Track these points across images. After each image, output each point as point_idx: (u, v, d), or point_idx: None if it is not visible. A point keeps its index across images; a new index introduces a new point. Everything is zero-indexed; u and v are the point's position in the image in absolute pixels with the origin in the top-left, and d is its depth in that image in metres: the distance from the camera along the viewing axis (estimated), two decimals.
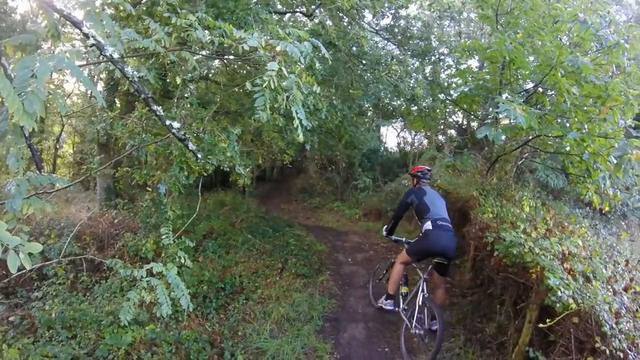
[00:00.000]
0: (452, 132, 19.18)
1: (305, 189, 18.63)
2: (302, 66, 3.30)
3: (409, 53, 9.49)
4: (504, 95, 6.39)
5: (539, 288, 4.11)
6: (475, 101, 7.93)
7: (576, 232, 5.31)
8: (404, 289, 5.86)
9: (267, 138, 11.20)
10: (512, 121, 5.41)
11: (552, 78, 5.90)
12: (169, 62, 4.25)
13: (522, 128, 5.30)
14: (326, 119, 7.13)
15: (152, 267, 3.16)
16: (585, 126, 5.57)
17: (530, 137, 6.68)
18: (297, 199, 18.12)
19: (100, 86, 12.57)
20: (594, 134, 5.31)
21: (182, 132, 3.09)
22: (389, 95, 14.23)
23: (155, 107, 2.71)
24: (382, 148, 19.71)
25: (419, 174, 6.03)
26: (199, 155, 3.82)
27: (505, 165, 7.89)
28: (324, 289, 7.47)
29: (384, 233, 6.47)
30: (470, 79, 7.89)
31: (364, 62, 8.70)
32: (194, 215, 5.04)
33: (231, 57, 5.18)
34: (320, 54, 3.66)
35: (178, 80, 4.31)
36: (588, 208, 9.72)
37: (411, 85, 8.14)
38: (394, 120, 18.49)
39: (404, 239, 6.15)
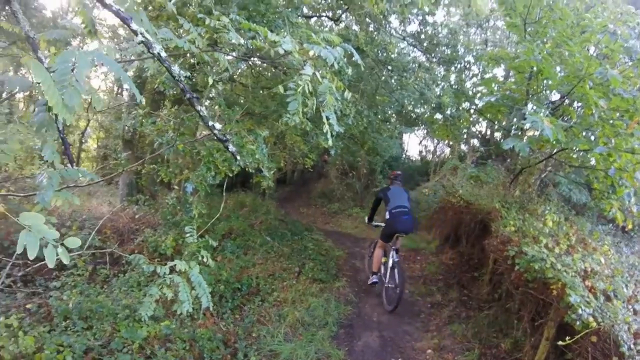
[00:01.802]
0: (475, 141, 19.01)
1: (325, 194, 18.65)
2: (333, 71, 3.34)
3: (435, 60, 9.45)
4: (530, 106, 6.31)
5: (559, 305, 4.05)
6: (500, 111, 7.86)
7: (598, 250, 5.21)
8: (384, 259, 7.28)
9: (290, 141, 11.25)
10: (537, 133, 5.36)
11: (580, 90, 5.82)
12: (198, 62, 4.33)
13: (548, 140, 5.24)
14: (352, 125, 7.14)
15: (175, 264, 3.21)
16: (612, 140, 5.48)
17: (556, 150, 6.57)
18: (316, 203, 18.15)
19: (127, 84, 12.76)
20: (620, 149, 5.22)
21: (223, 134, 3.14)
22: (413, 103, 14.22)
23: (199, 108, 2.76)
24: (404, 156, 19.62)
25: (392, 177, 7.67)
26: (238, 157, 3.87)
27: (528, 178, 7.77)
28: (340, 294, 7.47)
29: (366, 220, 8.03)
30: (496, 88, 7.83)
31: (389, 68, 8.69)
32: (218, 214, 5.11)
33: (262, 60, 5.25)
34: (351, 59, 3.71)
35: (210, 81, 4.38)
36: (611, 225, 9.49)
37: (438, 93, 8.10)
38: (416, 128, 18.42)
39: (381, 224, 7.44)
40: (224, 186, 5.46)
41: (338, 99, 4.93)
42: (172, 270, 3.20)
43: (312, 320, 6.34)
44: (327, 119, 2.88)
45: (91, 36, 2.75)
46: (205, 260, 3.71)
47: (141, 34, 2.22)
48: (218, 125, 3.03)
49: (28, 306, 5.82)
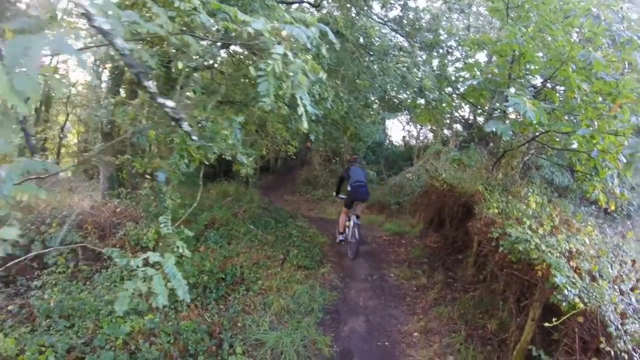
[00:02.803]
0: (458, 126, 19.06)
1: (309, 181, 18.58)
2: (309, 54, 3.22)
3: (417, 45, 9.34)
4: (513, 90, 6.28)
5: (544, 286, 4.04)
6: (482, 95, 7.83)
7: (582, 230, 5.22)
8: (348, 223, 8.91)
9: (272, 129, 11.13)
10: (520, 116, 5.33)
11: (562, 73, 5.81)
12: (173, 49, 4.16)
13: (530, 123, 5.21)
14: (332, 109, 7.03)
15: (148, 257, 3.08)
16: (595, 123, 5.47)
17: (538, 133, 6.56)
18: (300, 190, 18.08)
19: (105, 75, 12.55)
20: (603, 131, 5.21)
21: (178, 113, 2.99)
22: (396, 88, 14.13)
23: (147, 83, 2.61)
24: (387, 141, 19.59)
25: (352, 160, 9.48)
26: (195, 138, 3.72)
27: (511, 160, 7.77)
28: (325, 281, 7.42)
29: (334, 194, 9.76)
30: (478, 73, 7.78)
31: (371, 52, 8.55)
32: (194, 204, 4.96)
33: (239, 45, 5.08)
34: (330, 44, 3.59)
35: (180, 66, 4.21)
36: (594, 207, 9.60)
37: (419, 76, 8.00)
38: (399, 114, 18.37)
39: (344, 196, 9.05)
40: (201, 174, 5.31)
41: (314, 81, 4.84)
42: (147, 263, 3.06)
43: (298, 308, 6.29)
44: (301, 99, 2.76)
45: (53, 22, 2.58)
46: (181, 251, 3.57)
47: (81, 5, 2.06)
48: (170, 103, 2.88)
49: (10, 307, 5.71)
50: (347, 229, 8.96)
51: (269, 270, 7.60)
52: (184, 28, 3.46)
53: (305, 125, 2.90)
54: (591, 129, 5.26)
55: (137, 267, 3.06)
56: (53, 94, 15.93)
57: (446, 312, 6.35)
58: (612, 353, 3.20)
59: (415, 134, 20.14)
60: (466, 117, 19.54)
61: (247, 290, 6.90)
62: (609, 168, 5.54)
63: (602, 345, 3.25)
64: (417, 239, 10.06)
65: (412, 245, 9.61)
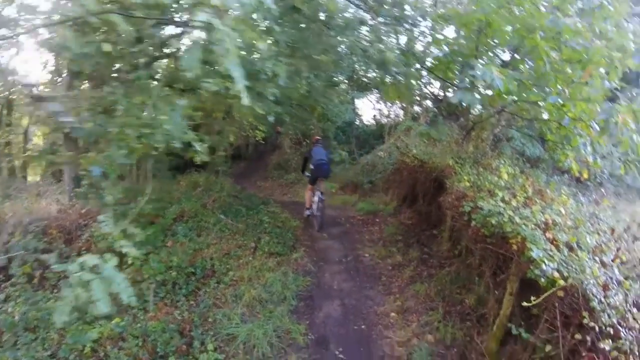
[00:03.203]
0: (429, 102, 18.84)
1: (281, 165, 18.17)
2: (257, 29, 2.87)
3: (382, 20, 8.96)
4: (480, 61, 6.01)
5: (520, 259, 3.82)
6: (450, 68, 7.55)
7: (557, 200, 5.01)
8: (314, 198, 9.42)
9: (237, 114, 10.69)
10: (485, 89, 5.08)
11: (530, 42, 5.55)
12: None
13: (499, 93, 4.97)
14: (288, 87, 6.62)
15: (85, 261, 2.74)
16: (566, 91, 5.26)
17: (507, 104, 6.32)
18: (273, 175, 17.68)
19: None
20: (575, 99, 5.00)
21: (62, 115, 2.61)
22: (364, 67, 13.74)
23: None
24: (358, 121, 19.24)
25: (314, 141, 9.96)
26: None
27: (481, 133, 7.56)
28: (298, 266, 7.16)
29: (302, 172, 10.42)
30: (445, 47, 7.48)
31: (330, 28, 8.13)
32: (144, 198, 4.59)
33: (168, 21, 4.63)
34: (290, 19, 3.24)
35: (108, 48, 3.79)
36: (566, 176, 9.48)
37: (381, 49, 7.63)
38: (369, 93, 18.06)
39: (308, 174, 9.63)
40: (146, 166, 4.91)
41: (265, 58, 4.47)
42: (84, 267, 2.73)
43: (270, 297, 6.04)
44: (232, 71, 2.41)
45: None
46: (124, 250, 3.24)
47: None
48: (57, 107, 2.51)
49: None
50: (313, 204, 9.48)
51: (240, 259, 7.31)
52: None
53: (245, 100, 2.55)
54: (562, 96, 5.03)
55: (75, 271, 2.74)
56: (14, 97, 15.26)
57: (423, 289, 6.17)
58: (597, 328, 2.99)
59: (386, 112, 19.84)
60: (436, 93, 19.36)
61: (218, 283, 6.65)
62: (580, 136, 5.37)
63: (585, 321, 3.03)
64: (391, 216, 9.85)
65: (386, 223, 9.39)
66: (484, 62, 5.71)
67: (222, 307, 5.82)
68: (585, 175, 6.20)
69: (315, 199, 9.28)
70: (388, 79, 9.23)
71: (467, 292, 5.63)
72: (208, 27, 2.18)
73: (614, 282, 3.31)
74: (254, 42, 3.01)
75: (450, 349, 4.94)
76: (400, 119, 18.31)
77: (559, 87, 5.38)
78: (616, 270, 3.49)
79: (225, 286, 6.48)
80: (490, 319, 4.80)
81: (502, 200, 4.58)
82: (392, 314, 5.70)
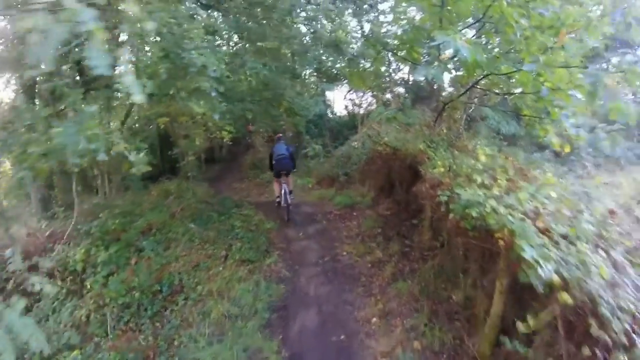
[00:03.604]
0: (400, 89, 18.35)
1: (255, 165, 17.46)
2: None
3: (341, 4, 8.34)
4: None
5: (509, 254, 3.25)
6: (414, 48, 6.95)
7: (541, 179, 4.45)
8: (281, 191, 9.43)
9: (202, 118, 10.07)
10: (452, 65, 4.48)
11: (496, 10, 4.96)
12: None
13: (468, 68, 4.39)
14: (229, 80, 5.98)
15: None
16: (540, 58, 4.67)
17: (478, 79, 5.74)
18: (248, 176, 16.97)
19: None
20: (552, 65, 4.44)
21: None
22: (331, 58, 13.16)
23: None
24: (330, 113, 18.58)
25: (276, 138, 10.14)
26: None
27: (453, 113, 6.96)
28: (271, 272, 6.58)
29: (270, 169, 10.10)
30: (405, 23, 6.88)
31: (273, 10, 7.44)
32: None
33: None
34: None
35: None
36: (547, 151, 9.00)
37: (330, 29, 7.02)
38: (339, 84, 17.46)
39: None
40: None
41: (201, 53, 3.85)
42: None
43: (240, 311, 5.45)
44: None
45: None
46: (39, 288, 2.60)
47: None
48: None
49: None
50: (281, 196, 9.54)
51: (210, 271, 6.71)
52: None
53: (137, 98, 1.92)
54: (537, 65, 4.46)
55: None
56: None
57: (406, 287, 5.61)
58: (608, 338, 2.41)
59: (357, 101, 19.22)
60: (406, 78, 18.88)
61: (185, 300, 6.09)
62: (560, 107, 4.83)
63: (592, 330, 2.46)
64: (369, 208, 9.26)
65: (364, 216, 8.80)
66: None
67: (189, 328, 5.23)
68: (567, 150, 5.68)
69: (282, 191, 9.45)
70: (348, 65, 8.67)
71: (454, 288, 5.06)
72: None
73: (625, 280, 2.73)
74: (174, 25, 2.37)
75: (439, 355, 4.37)
76: (373, 108, 17.78)
77: (532, 55, 4.81)
78: (623, 261, 2.91)
79: (193, 303, 5.91)
80: (480, 317, 4.26)
81: (482, 185, 4.00)
82: (374, 320, 5.14)
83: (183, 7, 4.51)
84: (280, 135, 10.29)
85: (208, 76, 4.59)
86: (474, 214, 3.48)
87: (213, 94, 4.85)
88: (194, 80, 4.58)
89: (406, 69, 18.97)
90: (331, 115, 18.76)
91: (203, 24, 4.79)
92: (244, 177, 17.17)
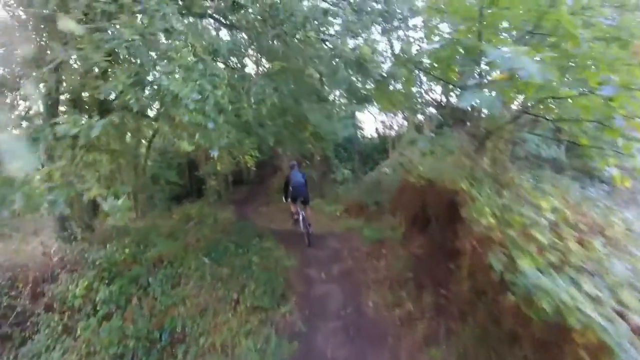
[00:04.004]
0: (432, 110, 17.27)
1: (282, 189, 16.71)
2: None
3: (366, 17, 7.46)
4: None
5: None
6: (451, 67, 5.98)
7: (619, 232, 3.35)
8: (297, 216, 9.76)
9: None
10: (508, 79, 3.47)
11: (552, 17, 3.97)
12: None
13: (528, 89, 3.39)
14: (237, 106, 5.16)
15: None
16: (611, 77, 3.63)
17: (531, 102, 4.69)
18: (274, 200, 16.19)
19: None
20: (630, 87, 3.41)
21: None
22: (360, 79, 12.33)
23: None
24: (360, 135, 17.59)
25: (290, 166, 10.25)
26: None
27: (498, 142, 5.84)
28: (285, 325, 5.63)
29: (284, 199, 10.54)
30: (439, 39, 5.92)
31: (282, 24, 6.57)
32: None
33: None
34: None
35: None
36: (603, 184, 7.75)
37: (353, 45, 6.13)
38: (368, 105, 16.54)
39: (289, 199, 10.00)
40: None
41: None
42: None
43: None
44: None
45: None
46: None
47: None
48: None
49: None
50: (299, 221, 9.74)
51: (218, 317, 5.84)
52: None
53: None
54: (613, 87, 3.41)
55: None
56: None
57: (439, 355, 4.57)
58: None
59: (388, 123, 18.21)
60: (438, 99, 17.78)
61: (186, 353, 5.24)
62: (634, 140, 3.79)
63: None
64: (399, 245, 8.19)
65: (394, 254, 7.73)
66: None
67: None
68: (627, 184, 4.55)
69: (300, 217, 9.68)
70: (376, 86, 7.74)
71: None
72: None
73: None
74: None
75: None
76: (404, 130, 16.77)
77: (602, 74, 3.76)
78: None
79: (192, 358, 5.06)
80: None
81: (551, 265, 2.92)
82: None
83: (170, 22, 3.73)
84: (294, 163, 10.43)
85: (200, 106, 3.77)
86: (546, 307, 2.43)
87: (210, 125, 4.01)
88: (171, 111, 3.76)
89: (438, 89, 17.98)
90: (361, 138, 17.80)
91: (202, 42, 3.99)
92: (270, 200, 16.43)
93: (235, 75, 5.08)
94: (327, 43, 6.34)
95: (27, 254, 8.53)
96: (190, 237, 8.77)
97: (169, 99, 3.49)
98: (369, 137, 18.58)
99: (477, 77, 4.05)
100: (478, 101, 3.16)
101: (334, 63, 7.81)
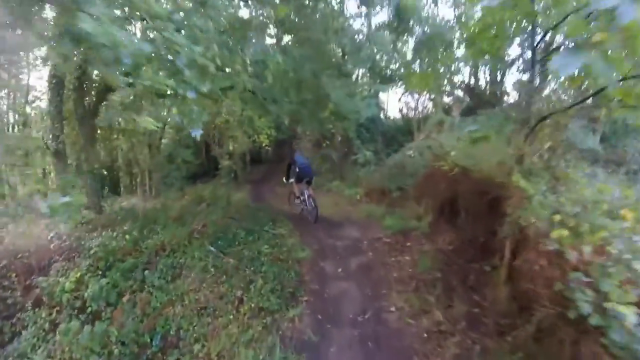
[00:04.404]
0: (459, 92, 16.16)
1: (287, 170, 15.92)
2: None
3: None
4: None
5: None
6: (498, 36, 4.96)
7: None
8: (302, 197, 9.73)
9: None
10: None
11: None
12: None
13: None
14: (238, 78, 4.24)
15: None
16: None
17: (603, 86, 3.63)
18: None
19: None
20: None
21: None
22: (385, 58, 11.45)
23: None
24: (383, 116, 16.49)
25: (294, 149, 11.73)
26: None
27: (557, 128, 4.74)
28: (292, 332, 4.79)
29: (284, 181, 10.44)
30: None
31: None
32: None
33: None
34: None
35: None
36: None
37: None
38: (393, 85, 15.45)
39: (292, 179, 9.99)
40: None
41: None
42: None
43: None
44: None
45: None
46: None
47: None
48: None
49: None
50: (304, 200, 9.73)
51: (218, 319, 5.09)
52: None
53: None
54: None
55: None
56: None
57: None
58: None
59: (413, 105, 17.07)
60: (467, 82, 16.62)
61: None
62: None
63: None
64: (425, 238, 7.28)
65: (420, 249, 6.83)
66: None
67: None
68: None
69: (305, 196, 9.68)
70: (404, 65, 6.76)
71: None
72: None
73: None
74: None
75: None
76: (430, 112, 15.67)
77: None
78: None
79: None
80: None
81: None
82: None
83: None
84: (297, 147, 11.43)
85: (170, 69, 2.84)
86: None
87: (190, 95, 3.06)
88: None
89: (466, 70, 16.77)
90: (384, 119, 16.70)
91: None
92: None
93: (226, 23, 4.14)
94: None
95: (33, 238, 8.05)
96: (198, 221, 7.98)
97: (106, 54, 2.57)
98: (393, 118, 17.49)
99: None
100: (581, 66, 2.17)
101: (358, 40, 6.89)
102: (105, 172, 17.58)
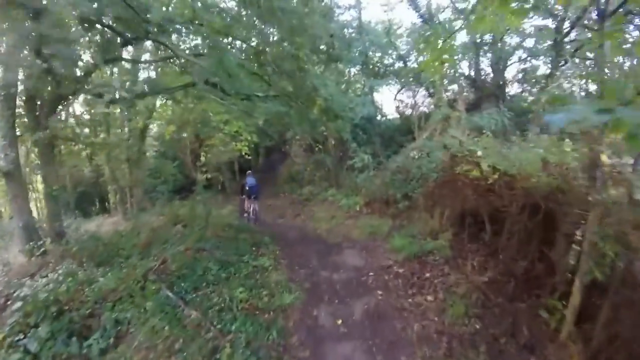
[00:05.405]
0: (462, 83, 14.39)
1: (292, 178, 13.97)
2: None
3: None
4: None
5: None
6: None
7: None
8: (249, 208, 10.81)
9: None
10: None
11: None
12: None
13: None
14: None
15: None
16: None
17: None
18: (284, 190, 13.52)
19: None
20: None
21: None
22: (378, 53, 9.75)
23: None
24: (380, 115, 14.50)
25: (247, 173, 11.35)
26: None
27: None
28: None
29: (242, 196, 11.27)
30: None
31: None
32: None
33: None
34: None
35: None
36: None
37: None
38: (388, 81, 13.62)
39: (244, 196, 11.03)
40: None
41: None
42: None
43: None
44: None
45: None
46: None
47: None
48: None
49: None
50: (249, 212, 10.72)
51: None
52: None
53: None
54: None
55: None
56: None
57: None
58: None
59: (410, 102, 15.14)
60: (467, 73, 14.83)
61: None
62: None
63: None
64: (448, 265, 5.38)
65: (445, 283, 4.93)
66: None
67: None
68: None
69: (251, 208, 10.67)
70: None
71: None
72: None
73: None
74: None
75: None
76: (431, 107, 13.81)
77: None
78: None
79: None
80: None
81: None
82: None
83: None
84: (250, 171, 11.49)
85: None
86: None
87: None
88: None
89: (464, 63, 14.95)
90: (381, 118, 14.74)
91: None
92: (280, 192, 13.77)
93: None
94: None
95: None
96: (158, 255, 6.06)
97: None
98: (389, 117, 15.54)
99: None
100: None
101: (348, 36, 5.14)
102: (88, 190, 15.87)
